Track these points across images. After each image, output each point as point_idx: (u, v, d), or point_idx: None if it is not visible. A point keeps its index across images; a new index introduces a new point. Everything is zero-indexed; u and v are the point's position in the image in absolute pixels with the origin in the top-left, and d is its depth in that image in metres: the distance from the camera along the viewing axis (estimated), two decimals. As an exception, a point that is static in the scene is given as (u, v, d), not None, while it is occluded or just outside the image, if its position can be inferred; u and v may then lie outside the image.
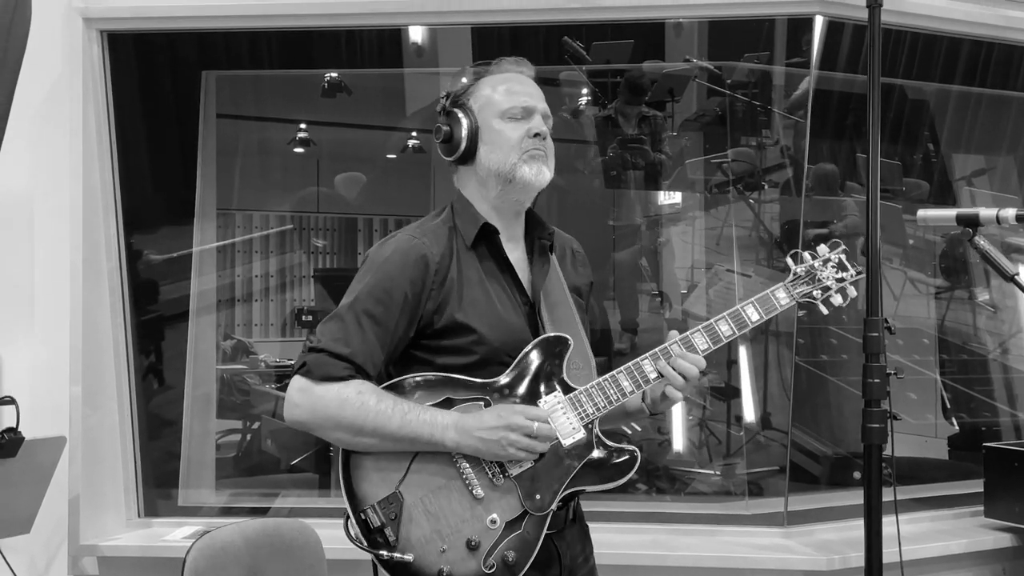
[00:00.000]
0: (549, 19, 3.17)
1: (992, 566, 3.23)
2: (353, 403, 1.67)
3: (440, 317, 1.74)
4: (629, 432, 3.81)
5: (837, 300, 1.87)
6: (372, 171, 5.29)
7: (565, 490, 1.72)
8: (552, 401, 1.74)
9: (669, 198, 4.73)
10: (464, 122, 1.80)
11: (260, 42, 3.55)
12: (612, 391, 1.76)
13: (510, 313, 1.79)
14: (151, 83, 3.45)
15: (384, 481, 1.69)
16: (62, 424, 2.97)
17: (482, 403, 1.72)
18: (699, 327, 1.81)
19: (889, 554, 2.12)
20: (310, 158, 5.06)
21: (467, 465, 1.70)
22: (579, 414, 1.74)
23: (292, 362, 2.45)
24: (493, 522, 1.68)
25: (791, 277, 1.87)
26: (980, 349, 4.42)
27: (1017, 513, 3.14)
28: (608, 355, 4.22)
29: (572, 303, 1.88)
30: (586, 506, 1.91)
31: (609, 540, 3.00)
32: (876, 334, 2.05)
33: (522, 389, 1.74)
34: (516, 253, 1.86)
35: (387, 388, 1.72)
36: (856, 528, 2.22)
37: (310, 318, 4.74)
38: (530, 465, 1.71)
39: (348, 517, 1.70)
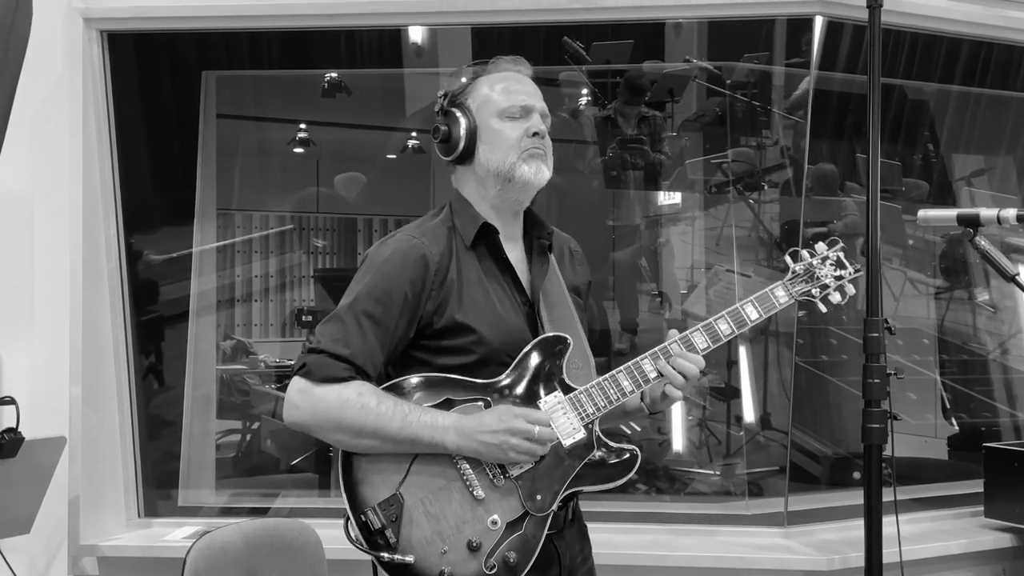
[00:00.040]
0: (549, 19, 3.17)
1: (992, 566, 3.23)
2: (354, 404, 1.66)
3: (440, 317, 1.73)
4: (629, 432, 3.81)
5: (836, 298, 1.87)
6: (372, 171, 5.28)
7: (566, 490, 1.72)
8: (552, 401, 1.74)
9: (669, 198, 4.73)
10: (462, 122, 1.80)
11: (260, 42, 3.55)
12: (612, 391, 1.76)
13: (510, 313, 1.78)
14: (151, 83, 3.45)
15: (384, 483, 1.68)
16: (62, 424, 2.97)
17: (482, 404, 1.72)
18: (699, 326, 1.80)
19: (889, 554, 2.13)
20: (310, 158, 5.06)
21: (467, 466, 1.69)
22: (579, 414, 1.74)
23: (292, 362, 2.45)
24: (494, 523, 1.68)
25: (790, 275, 1.87)
26: (980, 349, 4.42)
27: (1017, 513, 3.14)
28: (608, 355, 4.21)
29: (571, 303, 1.88)
30: (585, 506, 1.91)
31: (609, 540, 3.00)
32: (876, 334, 2.06)
33: (522, 389, 1.74)
34: (515, 253, 1.85)
35: (387, 389, 1.72)
36: (856, 528, 2.23)
37: (310, 318, 4.73)
38: (531, 466, 1.70)
39: (348, 519, 1.69)
